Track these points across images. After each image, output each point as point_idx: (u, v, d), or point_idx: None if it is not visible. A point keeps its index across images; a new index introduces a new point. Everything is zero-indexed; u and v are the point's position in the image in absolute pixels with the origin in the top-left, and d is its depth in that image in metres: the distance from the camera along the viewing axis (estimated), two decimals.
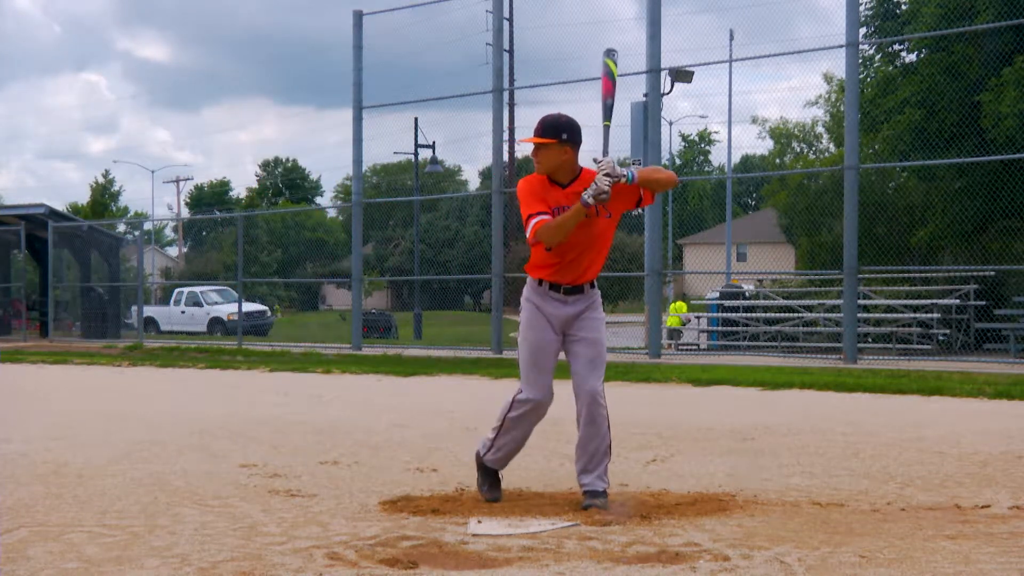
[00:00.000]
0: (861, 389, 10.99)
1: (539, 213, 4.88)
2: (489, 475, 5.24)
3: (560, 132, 4.93)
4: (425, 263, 47.70)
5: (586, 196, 4.79)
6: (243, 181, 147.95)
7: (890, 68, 22.28)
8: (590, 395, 4.96)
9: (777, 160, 46.41)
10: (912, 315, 18.72)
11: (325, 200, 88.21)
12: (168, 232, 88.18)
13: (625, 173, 4.85)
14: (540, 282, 5.05)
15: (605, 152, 4.99)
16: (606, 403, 5.02)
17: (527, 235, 4.92)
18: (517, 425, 5.10)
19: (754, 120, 50.97)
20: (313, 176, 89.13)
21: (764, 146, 62.10)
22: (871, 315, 19.25)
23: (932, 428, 8.02)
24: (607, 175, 4.77)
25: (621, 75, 21.02)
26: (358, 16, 19.91)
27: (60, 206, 48.80)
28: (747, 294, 23.22)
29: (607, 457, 5.02)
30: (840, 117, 24.51)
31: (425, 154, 36.02)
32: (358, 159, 20.26)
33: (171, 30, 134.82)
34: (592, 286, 5.10)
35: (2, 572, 3.92)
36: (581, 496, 5.02)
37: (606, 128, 5.09)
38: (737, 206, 62.60)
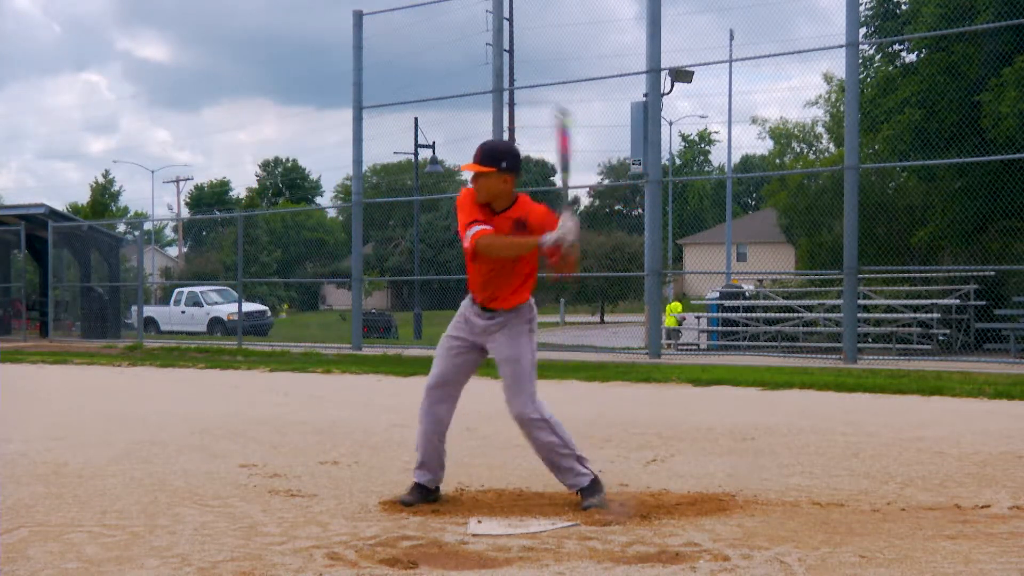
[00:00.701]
0: (861, 389, 10.99)
1: (479, 222, 4.86)
2: (419, 490, 5.15)
3: (500, 160, 4.90)
4: (425, 263, 47.72)
5: (547, 239, 4.73)
6: (243, 181, 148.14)
7: (890, 68, 22.27)
8: (517, 418, 5.02)
9: (777, 160, 46.43)
10: (912, 315, 18.72)
11: (325, 200, 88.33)
12: (168, 232, 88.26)
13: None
14: (469, 292, 5.15)
15: (567, 202, 4.92)
16: (540, 414, 4.97)
17: (466, 242, 4.88)
18: (422, 417, 5.16)
19: (754, 120, 51.06)
20: (313, 176, 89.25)
21: (764, 146, 62.18)
22: (871, 315, 19.25)
23: (932, 428, 8.02)
24: (571, 230, 4.70)
25: (620, 75, 20.75)
26: (358, 16, 19.91)
27: (60, 206, 48.80)
28: (747, 294, 23.21)
29: (570, 456, 4.98)
30: (840, 117, 24.52)
31: (425, 154, 36.05)
32: (358, 159, 20.25)
33: (171, 30, 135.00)
34: (512, 310, 5.03)
35: (2, 572, 3.92)
36: (579, 496, 5.02)
37: (565, 182, 5.07)
38: (737, 206, 62.61)
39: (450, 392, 5.15)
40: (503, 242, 4.86)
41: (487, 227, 4.86)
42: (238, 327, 24.73)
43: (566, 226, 4.72)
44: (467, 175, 5.14)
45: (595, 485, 4.99)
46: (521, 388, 5.00)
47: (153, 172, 78.62)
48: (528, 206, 4.97)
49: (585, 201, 69.43)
